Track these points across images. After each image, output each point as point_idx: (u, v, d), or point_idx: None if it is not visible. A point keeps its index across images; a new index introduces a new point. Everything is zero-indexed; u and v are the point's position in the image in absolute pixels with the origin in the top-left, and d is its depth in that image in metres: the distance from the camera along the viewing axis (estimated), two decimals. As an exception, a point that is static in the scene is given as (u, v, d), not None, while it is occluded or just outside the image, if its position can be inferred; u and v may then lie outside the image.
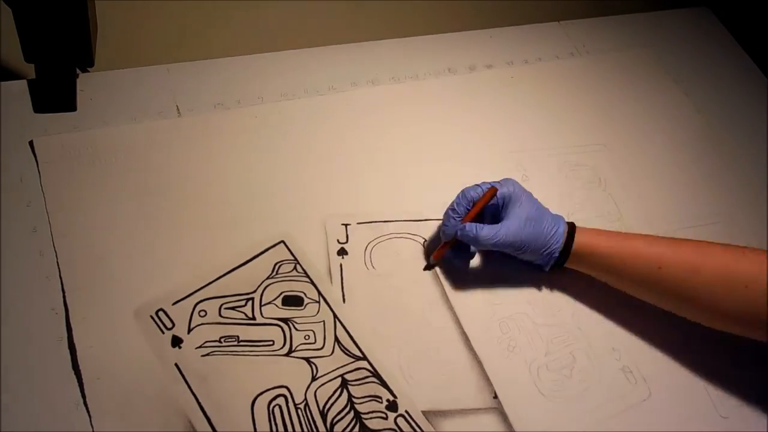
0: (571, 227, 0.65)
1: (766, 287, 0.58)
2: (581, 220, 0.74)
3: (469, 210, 0.64)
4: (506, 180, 0.66)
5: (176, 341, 0.59)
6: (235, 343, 0.60)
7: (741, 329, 0.61)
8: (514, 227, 0.63)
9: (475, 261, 0.68)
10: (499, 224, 0.63)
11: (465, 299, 0.66)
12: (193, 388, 0.57)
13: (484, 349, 0.64)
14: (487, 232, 0.62)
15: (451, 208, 0.65)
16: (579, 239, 0.64)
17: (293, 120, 0.75)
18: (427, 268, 0.67)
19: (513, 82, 0.84)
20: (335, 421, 0.58)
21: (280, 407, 0.58)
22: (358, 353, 0.61)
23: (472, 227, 0.63)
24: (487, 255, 0.69)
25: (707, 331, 0.63)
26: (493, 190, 0.64)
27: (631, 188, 0.78)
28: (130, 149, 0.69)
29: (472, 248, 0.68)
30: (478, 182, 0.65)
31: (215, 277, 0.63)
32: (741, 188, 0.81)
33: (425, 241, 0.69)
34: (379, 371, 0.61)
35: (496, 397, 0.61)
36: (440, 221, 0.69)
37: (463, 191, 0.65)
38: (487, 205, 0.65)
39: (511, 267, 0.68)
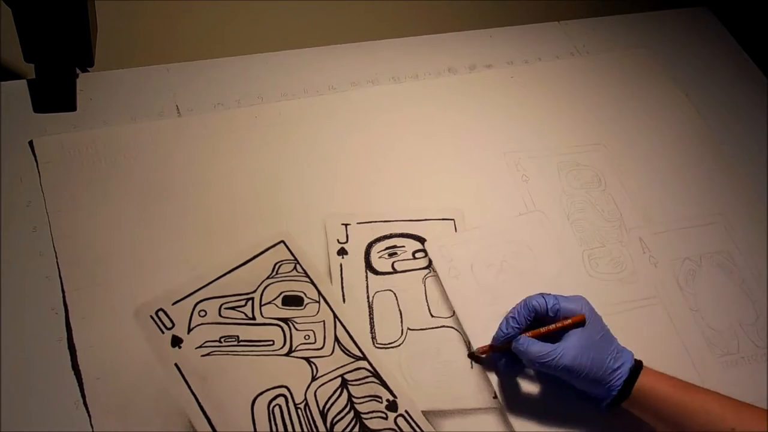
0: (637, 365, 0.59)
1: None
2: (581, 219, 0.74)
3: (529, 320, 0.60)
4: (576, 297, 0.61)
5: (176, 341, 0.59)
6: (235, 343, 0.60)
7: None
8: (572, 351, 0.57)
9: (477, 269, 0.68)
10: (556, 344, 0.58)
11: (465, 299, 0.66)
12: (193, 388, 0.57)
13: (484, 349, 0.64)
14: (539, 348, 0.58)
15: (511, 316, 0.60)
16: (643, 380, 0.58)
17: (293, 120, 0.75)
18: (470, 356, 0.64)
19: (513, 82, 0.84)
20: (335, 421, 0.58)
21: (280, 407, 0.58)
22: (358, 353, 0.61)
23: (525, 341, 0.58)
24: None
25: (708, 329, 0.62)
26: (577, 319, 0.59)
27: (631, 188, 0.78)
28: (130, 149, 0.69)
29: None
30: (549, 293, 0.61)
31: (215, 277, 0.63)
32: (740, 188, 0.81)
33: (425, 241, 0.69)
34: (379, 371, 0.61)
35: (496, 397, 0.61)
36: (440, 220, 0.70)
37: (527, 300, 0.61)
38: (545, 318, 0.60)
39: (518, 283, 0.67)
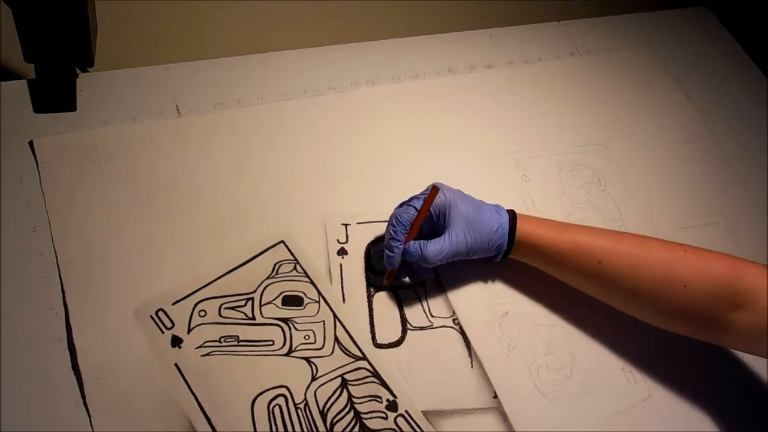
0: (512, 215, 0.63)
1: (704, 288, 0.57)
2: (581, 219, 0.74)
3: (406, 233, 0.62)
4: (429, 187, 0.63)
5: (176, 341, 0.59)
6: (235, 343, 0.60)
7: (684, 328, 0.61)
8: (458, 235, 0.61)
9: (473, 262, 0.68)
10: (442, 237, 0.61)
11: (465, 299, 0.66)
12: (193, 388, 0.57)
13: (484, 349, 0.64)
14: (432, 248, 0.60)
15: (390, 238, 0.62)
16: (521, 228, 0.63)
17: (293, 120, 0.75)
18: (385, 288, 0.65)
19: (513, 82, 0.84)
20: (335, 421, 0.58)
21: (280, 407, 0.58)
22: (358, 353, 0.61)
23: (416, 246, 0.61)
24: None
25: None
26: (427, 204, 0.61)
27: (631, 188, 0.78)
28: (130, 149, 0.69)
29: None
30: (406, 200, 0.63)
31: (215, 277, 0.63)
32: (741, 188, 0.81)
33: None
34: (379, 371, 0.61)
35: (496, 397, 0.62)
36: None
37: (395, 217, 0.62)
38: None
39: (510, 267, 0.68)
